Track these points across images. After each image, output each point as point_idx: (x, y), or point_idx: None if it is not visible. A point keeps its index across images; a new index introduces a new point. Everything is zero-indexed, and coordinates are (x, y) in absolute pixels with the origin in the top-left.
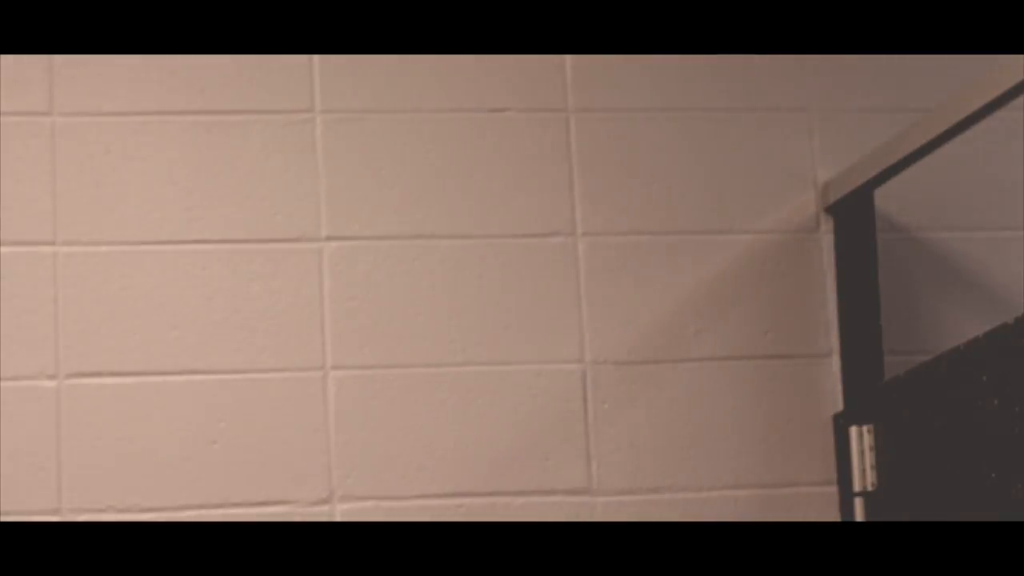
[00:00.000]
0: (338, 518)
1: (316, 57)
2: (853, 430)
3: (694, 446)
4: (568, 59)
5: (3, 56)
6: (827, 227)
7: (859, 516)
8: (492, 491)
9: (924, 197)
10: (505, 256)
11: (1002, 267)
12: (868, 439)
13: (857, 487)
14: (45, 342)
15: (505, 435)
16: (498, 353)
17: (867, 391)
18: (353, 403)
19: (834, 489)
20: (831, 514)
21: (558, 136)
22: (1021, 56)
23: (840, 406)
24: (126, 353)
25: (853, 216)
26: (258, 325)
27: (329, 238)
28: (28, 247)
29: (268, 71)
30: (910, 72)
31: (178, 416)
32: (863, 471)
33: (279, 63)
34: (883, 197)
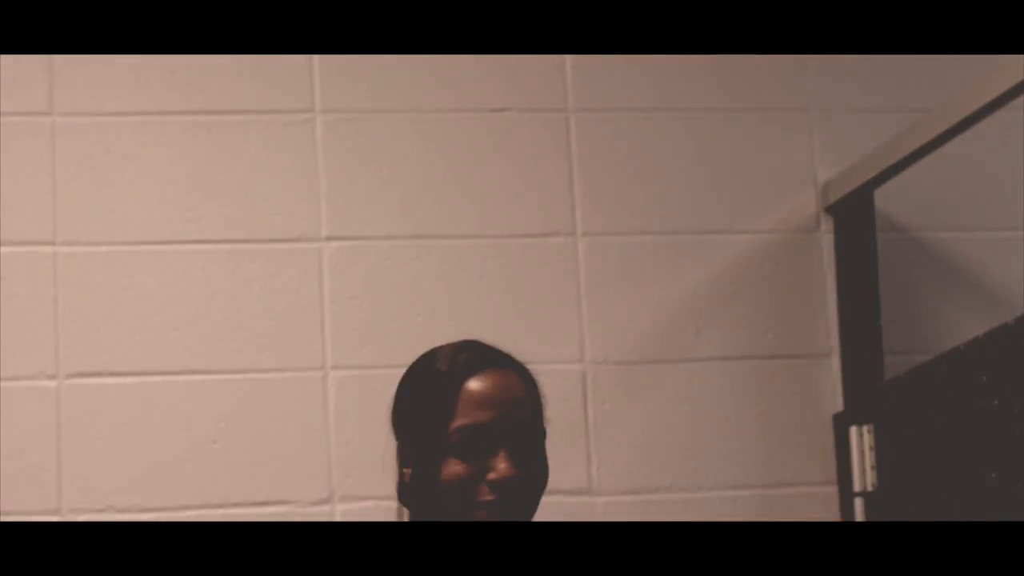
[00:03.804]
0: (338, 518)
1: (316, 57)
2: (853, 430)
3: (694, 446)
4: (568, 59)
5: (3, 56)
6: (827, 227)
7: (859, 516)
8: None
9: (924, 197)
10: (505, 256)
11: (1002, 267)
12: (868, 439)
13: (857, 487)
14: (45, 342)
15: None
16: None
17: (867, 391)
18: (353, 403)
19: (834, 489)
20: (831, 514)
21: (558, 136)
22: (1021, 56)
23: (840, 406)
24: (126, 353)
25: (853, 216)
26: (258, 325)
27: (329, 238)
28: (28, 247)
29: (268, 71)
30: (910, 72)
31: (178, 416)
32: (863, 471)
33: (279, 63)
34: (883, 197)
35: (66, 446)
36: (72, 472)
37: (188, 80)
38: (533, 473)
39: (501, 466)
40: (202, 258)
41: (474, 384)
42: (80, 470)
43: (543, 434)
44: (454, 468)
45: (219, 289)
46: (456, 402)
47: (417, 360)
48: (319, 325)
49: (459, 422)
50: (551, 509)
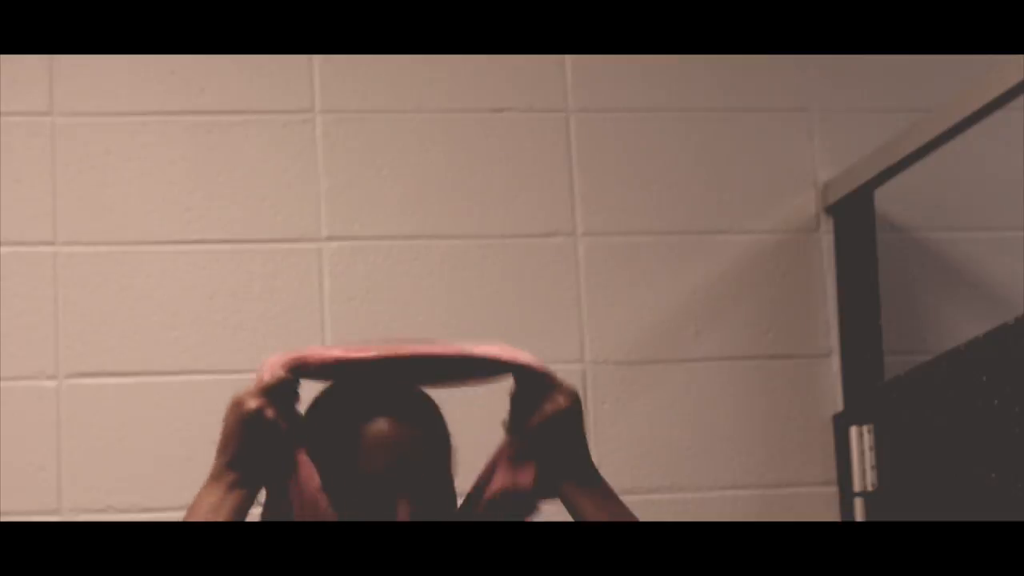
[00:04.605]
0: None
1: (316, 57)
2: (853, 430)
3: (694, 446)
4: (568, 59)
5: (3, 56)
6: (827, 227)
7: (859, 516)
8: None
9: (924, 197)
10: (505, 256)
11: (1002, 267)
12: (868, 439)
13: (857, 487)
14: (45, 342)
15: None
16: None
17: (867, 391)
18: None
19: (834, 489)
20: (831, 514)
21: (558, 136)
22: (1021, 56)
23: (840, 406)
24: (126, 353)
25: (853, 216)
26: (258, 325)
27: (329, 238)
28: (28, 247)
29: (268, 71)
30: (910, 72)
31: (178, 416)
32: (863, 471)
33: (279, 63)
34: (883, 197)
35: (66, 446)
36: (72, 472)
37: (188, 80)
38: (435, 507)
39: (400, 515)
40: (202, 258)
41: (369, 430)
42: (80, 470)
43: (446, 480)
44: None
45: (219, 289)
46: (357, 449)
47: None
48: (319, 325)
49: (360, 469)
50: (552, 509)
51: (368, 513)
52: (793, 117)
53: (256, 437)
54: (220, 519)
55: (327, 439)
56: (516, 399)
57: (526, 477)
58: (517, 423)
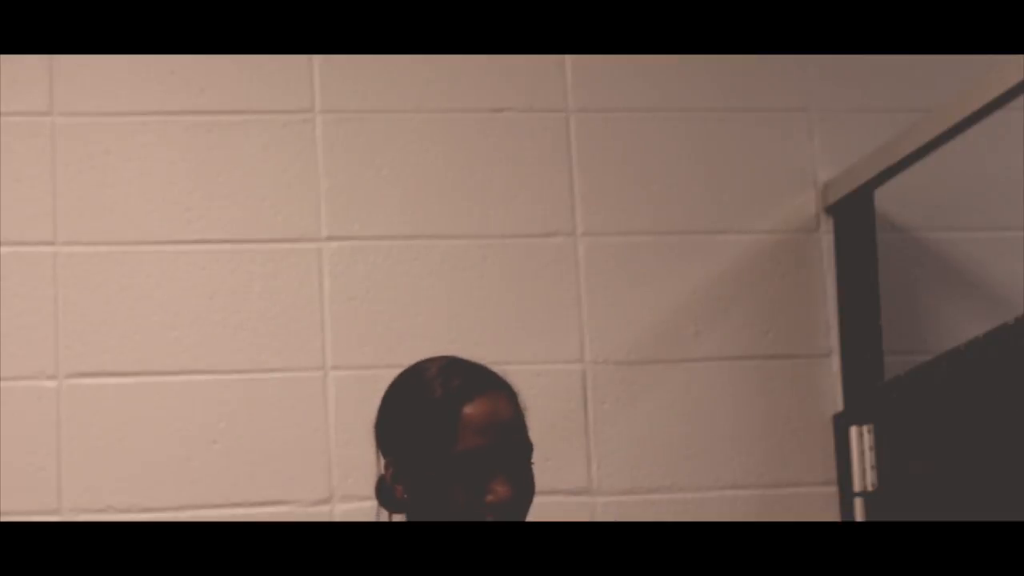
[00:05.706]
0: (338, 518)
1: (316, 57)
2: (853, 430)
3: (694, 446)
4: (568, 59)
5: (3, 56)
6: (827, 227)
7: (859, 516)
8: None
9: (924, 197)
10: (505, 256)
11: (1002, 267)
12: (868, 439)
13: (857, 487)
14: (45, 342)
15: None
16: (498, 353)
17: (867, 391)
18: (353, 403)
19: (834, 489)
20: (831, 514)
21: (558, 136)
22: (1021, 56)
23: (840, 406)
24: (126, 353)
25: (853, 216)
26: (258, 325)
27: (329, 238)
28: (28, 247)
29: (268, 71)
30: (910, 72)
31: (178, 416)
32: (863, 471)
33: (279, 63)
34: (883, 197)
35: (66, 446)
36: (72, 472)
37: (188, 80)
38: (525, 491)
39: (500, 489)
40: (202, 258)
41: (470, 410)
42: (80, 470)
43: (531, 449)
44: (455, 492)
45: (219, 289)
46: (456, 429)
47: (404, 380)
48: (319, 325)
49: (460, 448)
50: (551, 509)
51: (466, 491)
52: (793, 117)
53: None
54: None
55: (424, 422)
56: None
57: None
58: None
